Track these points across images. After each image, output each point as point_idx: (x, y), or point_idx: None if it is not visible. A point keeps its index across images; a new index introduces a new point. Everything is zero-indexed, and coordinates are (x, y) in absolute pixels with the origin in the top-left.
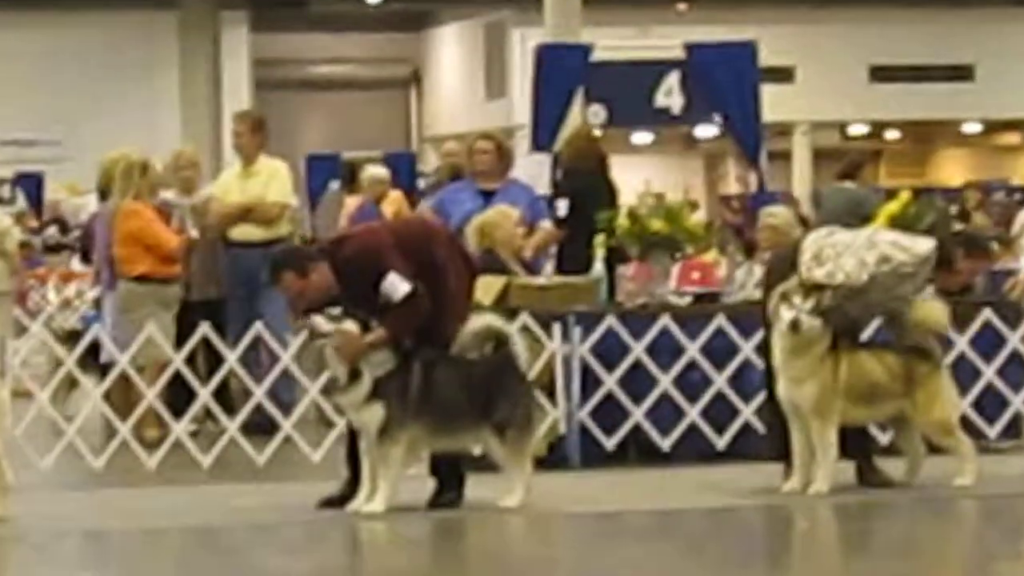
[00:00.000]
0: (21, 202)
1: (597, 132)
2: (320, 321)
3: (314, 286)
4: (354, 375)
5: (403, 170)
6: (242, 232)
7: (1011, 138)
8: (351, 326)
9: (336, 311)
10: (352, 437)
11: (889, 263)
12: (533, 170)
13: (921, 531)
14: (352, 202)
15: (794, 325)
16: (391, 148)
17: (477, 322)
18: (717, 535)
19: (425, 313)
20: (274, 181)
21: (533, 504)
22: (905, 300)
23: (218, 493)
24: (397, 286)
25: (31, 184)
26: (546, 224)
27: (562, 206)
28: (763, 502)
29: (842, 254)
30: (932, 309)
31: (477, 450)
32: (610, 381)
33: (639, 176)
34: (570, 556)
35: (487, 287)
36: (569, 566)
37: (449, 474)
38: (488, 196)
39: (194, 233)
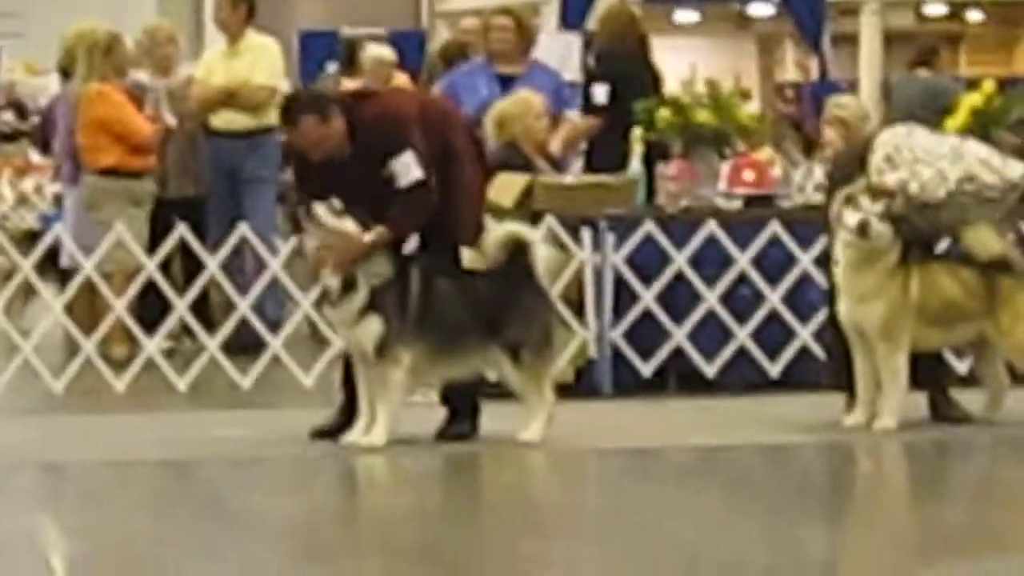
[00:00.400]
0: None
1: (636, 8)
2: (322, 212)
3: (333, 137)
4: (348, 285)
5: (411, 50)
6: (225, 120)
7: None
8: (351, 225)
9: (338, 204)
10: (349, 358)
11: (972, 183)
12: (560, 51)
13: (1003, 473)
14: (351, 87)
15: (862, 228)
16: (397, 25)
17: (499, 232)
18: (769, 475)
19: (433, 208)
20: (262, 61)
21: (557, 438)
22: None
23: (196, 421)
24: (410, 168)
25: None
26: (573, 115)
27: (600, 92)
28: (822, 438)
29: (920, 159)
30: (984, 236)
31: (493, 375)
32: (647, 296)
33: (683, 60)
34: (598, 498)
35: (507, 186)
36: (597, 509)
37: (462, 402)
38: (507, 82)
39: (170, 120)
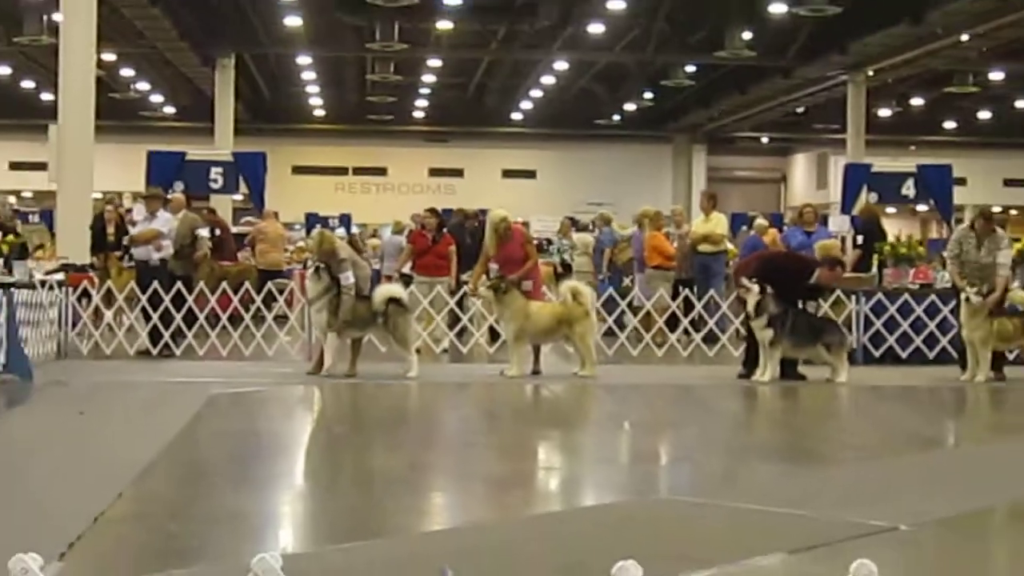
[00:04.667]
0: None
1: (874, 207)
2: None
3: None
4: None
5: None
6: None
7: None
8: None
9: None
10: None
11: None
12: (839, 223)
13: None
14: None
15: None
16: None
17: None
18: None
19: None
20: None
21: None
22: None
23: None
24: None
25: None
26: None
27: (859, 239)
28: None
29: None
30: (1019, 297)
31: None
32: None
33: (891, 229)
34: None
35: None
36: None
37: None
38: None
39: None
